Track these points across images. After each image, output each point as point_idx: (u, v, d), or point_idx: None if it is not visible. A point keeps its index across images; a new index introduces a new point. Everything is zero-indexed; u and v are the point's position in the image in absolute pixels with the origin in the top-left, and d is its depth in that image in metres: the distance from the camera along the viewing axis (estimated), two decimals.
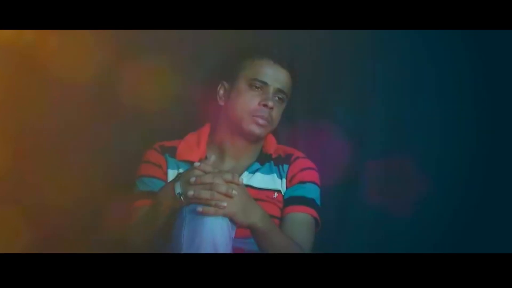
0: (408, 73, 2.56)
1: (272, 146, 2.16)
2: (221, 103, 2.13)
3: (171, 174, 2.08)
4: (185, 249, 1.72)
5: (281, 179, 2.09)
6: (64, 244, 2.37)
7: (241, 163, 2.13)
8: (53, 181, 2.42)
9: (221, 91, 2.13)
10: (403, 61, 2.56)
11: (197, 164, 1.86)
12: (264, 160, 2.12)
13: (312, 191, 2.09)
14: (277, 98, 2.08)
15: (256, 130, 2.07)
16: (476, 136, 2.50)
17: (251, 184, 2.06)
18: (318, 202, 2.09)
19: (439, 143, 2.53)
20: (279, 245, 1.91)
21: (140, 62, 2.46)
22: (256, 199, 1.91)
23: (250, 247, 1.93)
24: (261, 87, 2.07)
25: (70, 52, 2.41)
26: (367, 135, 2.55)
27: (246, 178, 2.05)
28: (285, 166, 2.11)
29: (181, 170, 2.04)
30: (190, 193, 1.79)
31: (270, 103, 2.05)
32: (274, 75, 2.06)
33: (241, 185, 1.83)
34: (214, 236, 1.73)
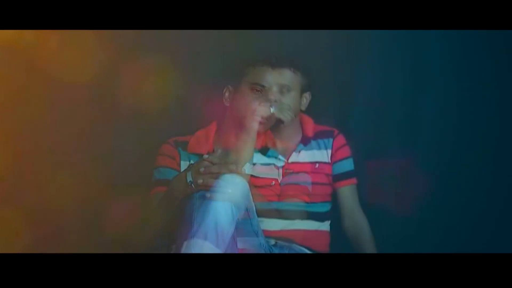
0: (409, 73, 2.56)
1: (311, 127, 2.41)
2: (227, 104, 2.36)
3: (183, 165, 2.32)
4: (195, 229, 1.95)
5: (326, 149, 2.38)
6: (64, 244, 2.37)
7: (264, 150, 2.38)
8: (53, 181, 2.42)
9: (227, 94, 2.36)
10: (404, 61, 2.57)
11: (205, 156, 2.15)
12: (306, 141, 2.39)
13: (352, 163, 2.42)
14: (283, 91, 2.30)
15: (256, 126, 2.25)
16: (478, 136, 2.50)
17: (298, 161, 2.36)
18: None
19: (439, 143, 2.53)
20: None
21: (142, 63, 2.46)
22: (303, 171, 2.33)
23: (247, 226, 2.16)
24: (261, 90, 2.30)
25: (70, 52, 2.41)
26: (368, 135, 2.55)
27: (293, 158, 2.36)
28: (330, 140, 2.40)
29: (192, 162, 2.28)
30: (200, 181, 2.08)
31: (268, 104, 2.27)
32: (273, 78, 2.29)
33: (243, 175, 2.10)
34: (219, 217, 1.98)
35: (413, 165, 2.47)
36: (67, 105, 2.48)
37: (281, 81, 2.29)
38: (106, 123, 2.51)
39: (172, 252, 2.02)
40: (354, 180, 2.39)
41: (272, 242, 2.28)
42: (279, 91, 2.29)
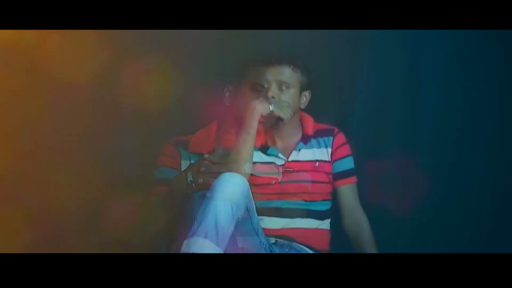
0: (409, 73, 2.56)
1: (311, 126, 2.42)
2: (227, 103, 2.39)
3: (184, 164, 2.36)
4: (195, 227, 1.98)
5: (326, 148, 2.39)
6: (64, 244, 2.37)
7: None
8: (53, 181, 2.42)
9: (227, 94, 2.40)
10: (404, 61, 2.57)
11: (206, 156, 2.20)
12: (306, 140, 2.40)
13: (352, 162, 2.43)
14: (282, 88, 2.32)
15: (256, 125, 2.26)
16: (478, 136, 2.50)
17: (298, 159, 2.37)
18: None
19: (439, 143, 2.53)
20: None
21: (142, 63, 2.47)
22: (303, 170, 2.33)
23: (247, 225, 2.18)
24: (261, 89, 2.32)
25: (70, 52, 2.41)
26: (368, 135, 2.55)
27: (293, 156, 2.36)
28: (330, 138, 2.41)
29: (192, 161, 2.34)
30: (200, 180, 2.14)
31: (267, 102, 2.28)
32: (272, 75, 2.32)
33: (243, 174, 2.14)
34: (219, 216, 2.00)
35: (413, 165, 2.47)
36: (67, 105, 2.48)
37: (280, 78, 2.31)
38: (106, 123, 2.51)
39: (172, 251, 2.02)
40: (354, 179, 2.39)
41: (272, 240, 2.28)
42: (278, 88, 2.31)
